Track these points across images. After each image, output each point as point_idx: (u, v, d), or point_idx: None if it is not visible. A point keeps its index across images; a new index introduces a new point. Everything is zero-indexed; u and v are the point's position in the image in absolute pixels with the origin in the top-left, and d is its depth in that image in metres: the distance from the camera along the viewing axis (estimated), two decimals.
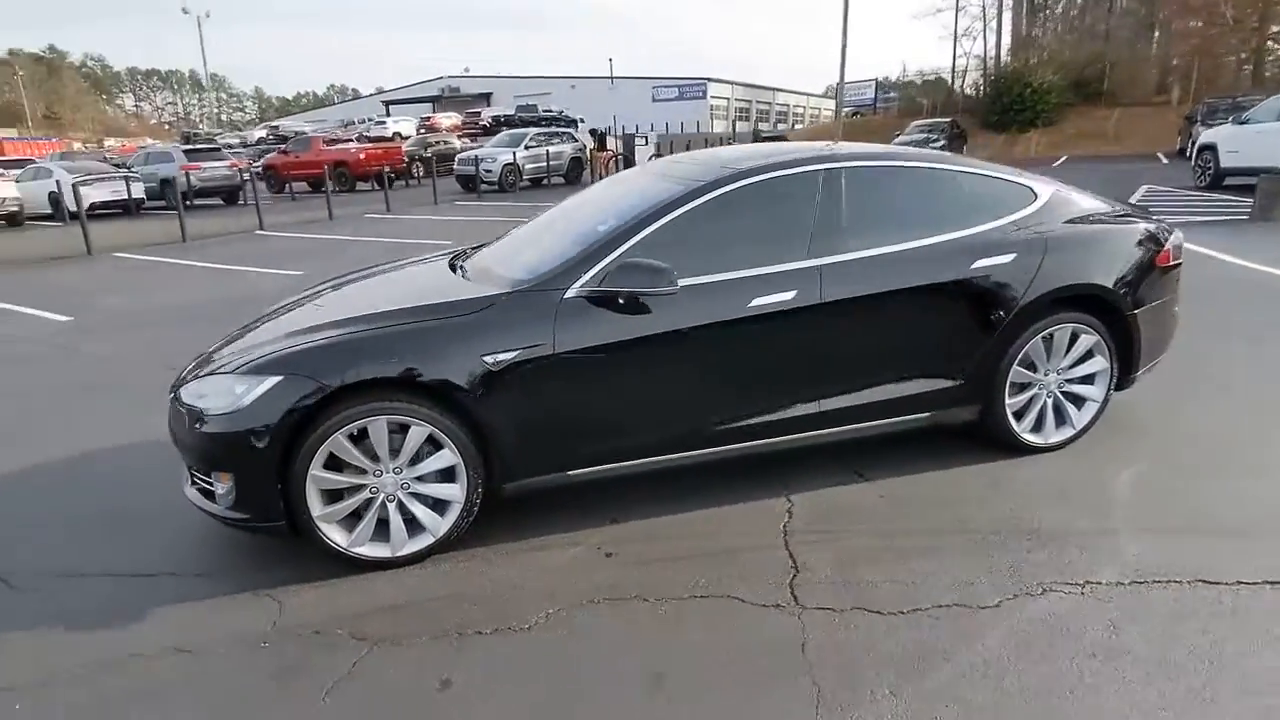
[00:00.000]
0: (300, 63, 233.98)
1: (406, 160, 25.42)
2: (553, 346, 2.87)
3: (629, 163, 24.07)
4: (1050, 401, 3.57)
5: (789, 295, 3.08)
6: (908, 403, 3.34)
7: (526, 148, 22.41)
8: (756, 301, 3.05)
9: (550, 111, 37.35)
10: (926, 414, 3.40)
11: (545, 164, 22.81)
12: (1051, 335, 3.45)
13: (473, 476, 2.90)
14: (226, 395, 2.77)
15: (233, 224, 15.61)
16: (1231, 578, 2.59)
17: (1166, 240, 3.65)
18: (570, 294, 2.93)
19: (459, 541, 3.01)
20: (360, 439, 2.79)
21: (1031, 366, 3.49)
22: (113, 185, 18.96)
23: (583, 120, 39.23)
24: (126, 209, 18.90)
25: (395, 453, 2.83)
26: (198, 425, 2.80)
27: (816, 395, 3.22)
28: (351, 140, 28.25)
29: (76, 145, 51.65)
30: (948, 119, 28.04)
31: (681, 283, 2.96)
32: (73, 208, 15.94)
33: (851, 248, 3.20)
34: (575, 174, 24.06)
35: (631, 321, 2.94)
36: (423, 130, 35.42)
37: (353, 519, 2.88)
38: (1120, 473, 3.40)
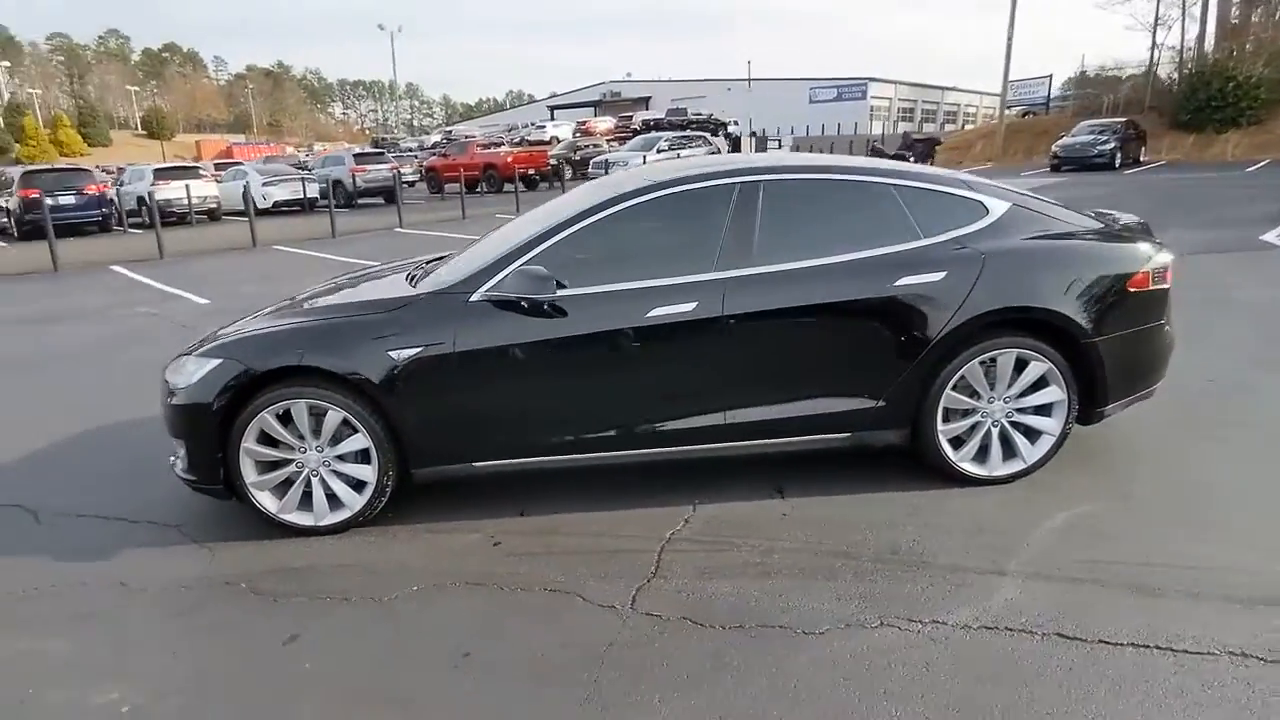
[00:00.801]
0: (484, 71, 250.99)
1: (554, 163, 26.67)
2: (453, 345, 3.10)
3: None
4: (996, 431, 3.33)
5: (689, 307, 3.11)
6: (822, 421, 3.26)
7: (659, 151, 22.86)
8: (655, 312, 3.11)
9: (700, 115, 37.59)
10: (846, 434, 3.30)
11: None
12: (994, 360, 3.22)
13: (384, 460, 3.20)
14: (184, 373, 3.24)
15: (379, 221, 17.21)
16: (1096, 636, 2.36)
17: (1146, 262, 3.29)
18: (475, 298, 3.15)
19: (381, 518, 3.33)
20: (288, 419, 3.17)
21: (972, 393, 3.28)
22: (292, 186, 21.59)
23: (736, 123, 39.23)
24: (303, 206, 21.44)
25: (318, 433, 3.19)
26: (168, 398, 3.30)
27: (722, 407, 3.23)
28: (504, 145, 30.04)
29: (289, 149, 58.57)
30: (1123, 119, 25.29)
31: (579, 291, 3.12)
32: (259, 205, 18.35)
33: (762, 262, 3.17)
34: None
35: (527, 326, 3.11)
36: (577, 134, 36.88)
37: (283, 488, 3.27)
38: (1057, 513, 3.12)
